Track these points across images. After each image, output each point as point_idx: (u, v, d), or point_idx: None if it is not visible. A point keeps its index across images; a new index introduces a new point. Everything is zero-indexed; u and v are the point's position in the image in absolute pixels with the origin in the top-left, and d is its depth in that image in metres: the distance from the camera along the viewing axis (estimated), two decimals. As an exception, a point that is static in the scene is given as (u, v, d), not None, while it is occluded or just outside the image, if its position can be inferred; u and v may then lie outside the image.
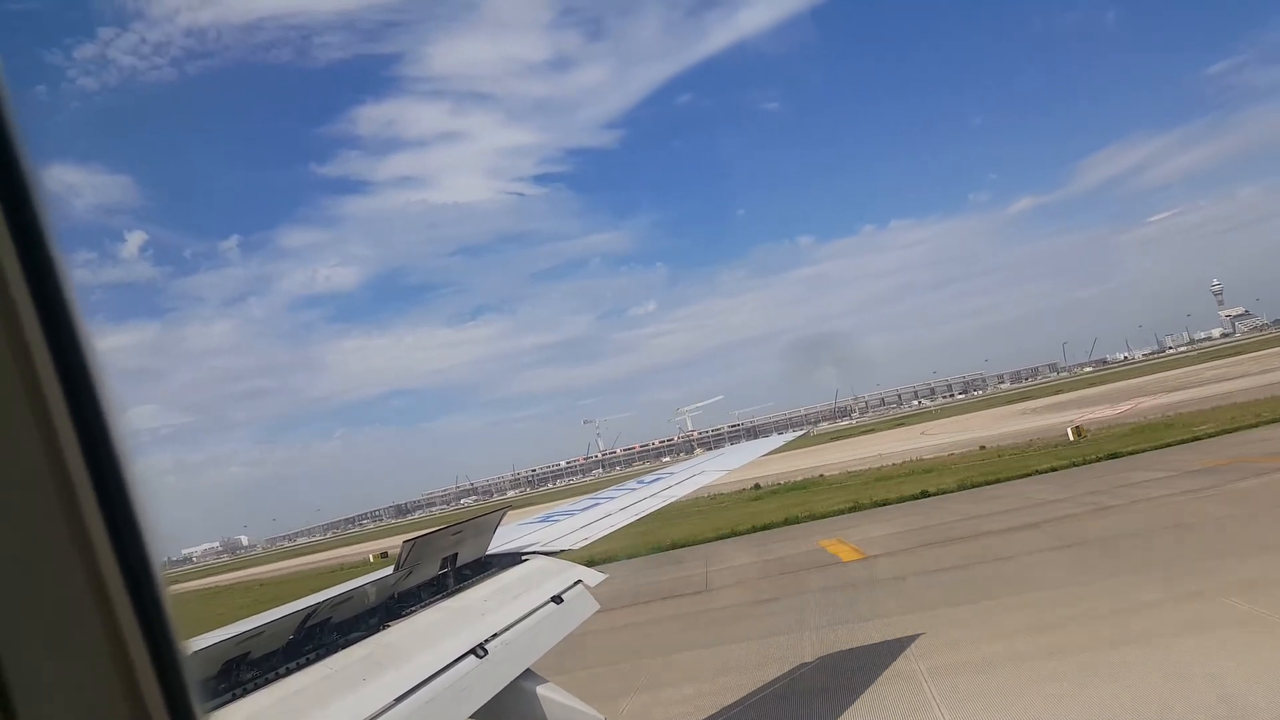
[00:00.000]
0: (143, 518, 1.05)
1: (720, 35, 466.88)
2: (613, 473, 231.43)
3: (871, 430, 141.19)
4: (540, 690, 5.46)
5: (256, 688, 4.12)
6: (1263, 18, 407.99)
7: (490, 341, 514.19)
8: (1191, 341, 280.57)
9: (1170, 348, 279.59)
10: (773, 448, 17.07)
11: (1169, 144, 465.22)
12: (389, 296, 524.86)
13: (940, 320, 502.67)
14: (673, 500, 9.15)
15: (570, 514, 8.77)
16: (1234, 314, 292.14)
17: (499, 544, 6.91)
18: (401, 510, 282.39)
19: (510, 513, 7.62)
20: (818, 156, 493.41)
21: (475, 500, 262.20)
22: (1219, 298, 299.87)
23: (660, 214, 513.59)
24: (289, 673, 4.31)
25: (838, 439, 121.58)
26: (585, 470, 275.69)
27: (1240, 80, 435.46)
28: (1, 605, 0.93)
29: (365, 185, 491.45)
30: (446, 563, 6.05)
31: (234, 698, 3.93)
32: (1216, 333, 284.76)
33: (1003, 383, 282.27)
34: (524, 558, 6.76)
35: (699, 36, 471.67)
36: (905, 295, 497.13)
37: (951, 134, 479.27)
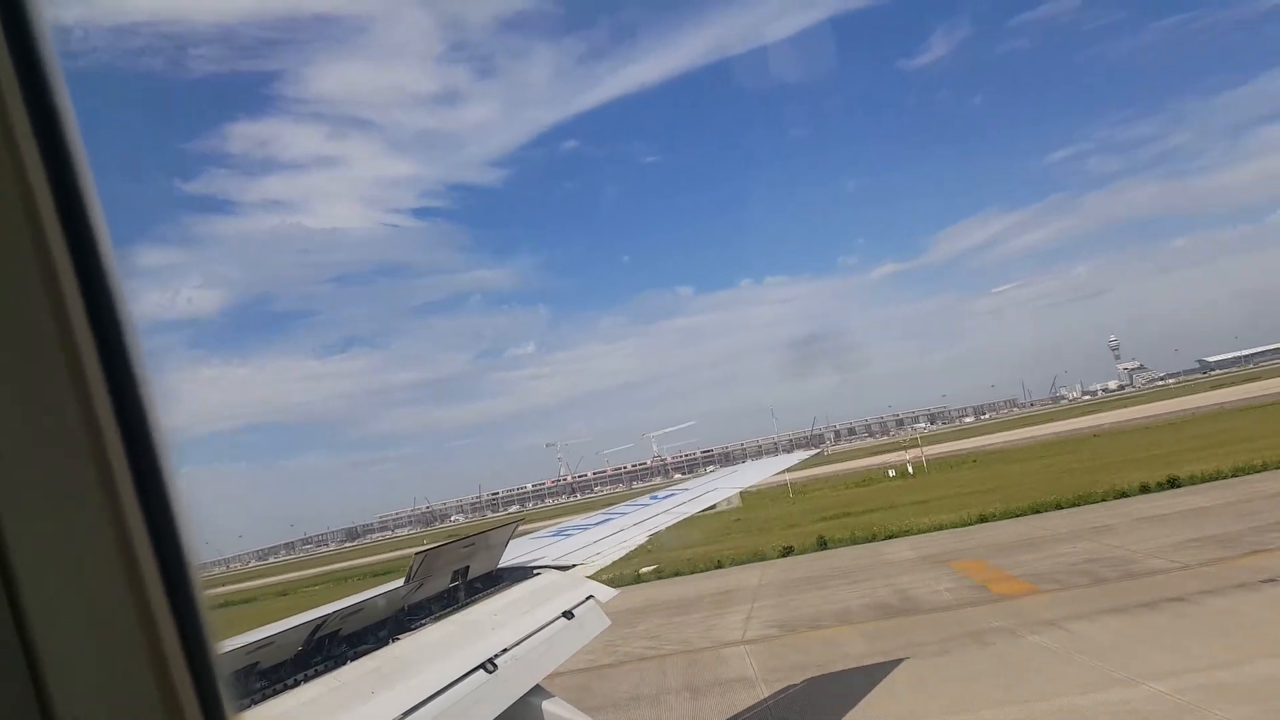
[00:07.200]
0: (181, 519, 1.07)
1: (609, 86, 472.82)
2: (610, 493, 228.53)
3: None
4: (547, 706, 5.39)
5: (265, 698, 4.11)
6: (1101, 114, 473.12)
7: (359, 375, 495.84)
8: (1084, 392, 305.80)
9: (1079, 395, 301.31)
10: (787, 465, 17.76)
11: (1016, 222, 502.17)
12: (253, 323, 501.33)
13: (813, 373, 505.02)
14: (685, 516, 8.99)
15: (583, 528, 8.66)
16: (1130, 367, 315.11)
17: (510, 558, 6.87)
18: (352, 534, 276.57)
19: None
20: (700, 210, 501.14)
21: (463, 520, 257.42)
22: (1116, 353, 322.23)
23: (544, 255, 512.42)
24: (297, 684, 4.31)
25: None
26: (571, 491, 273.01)
27: (1079, 168, 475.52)
28: (47, 601, 0.95)
29: (233, 205, 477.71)
30: (457, 576, 6.02)
31: (243, 708, 3.89)
32: (1113, 384, 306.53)
33: (966, 416, 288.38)
34: (535, 572, 6.71)
35: (588, 85, 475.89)
36: (777, 349, 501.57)
37: (827, 197, 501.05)
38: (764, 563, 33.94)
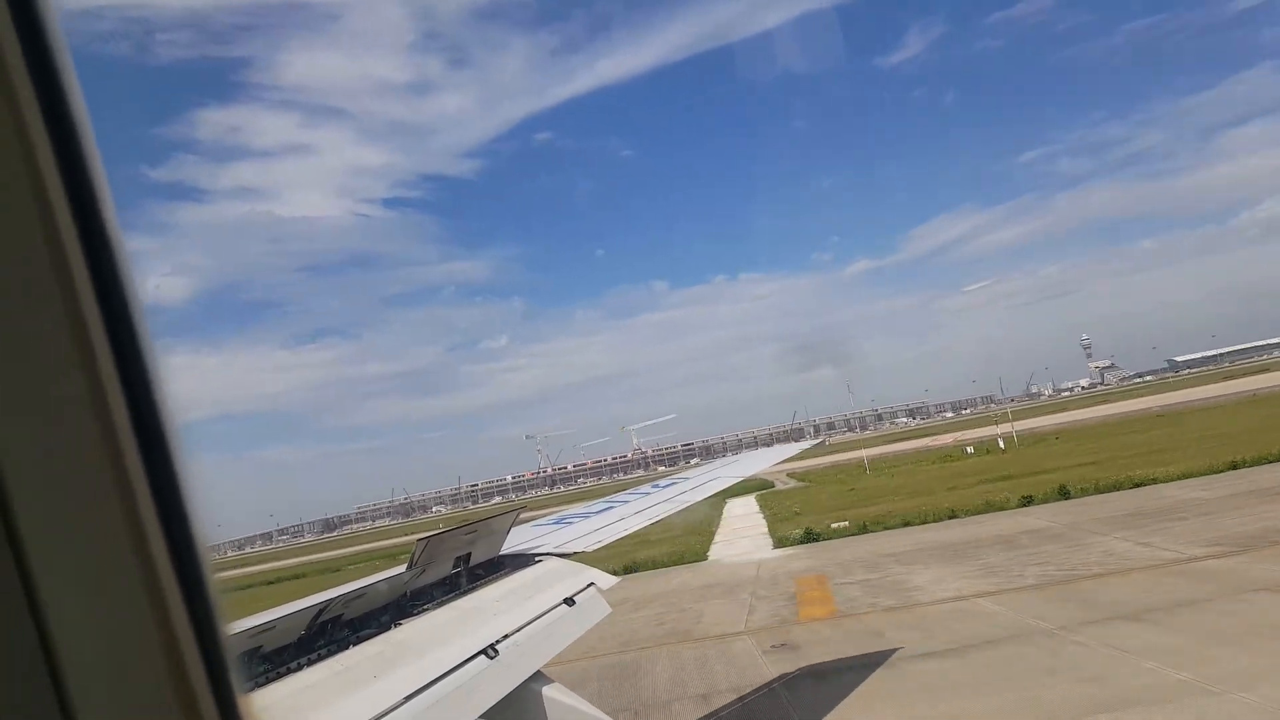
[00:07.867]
0: (191, 503, 1.08)
1: (583, 79, 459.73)
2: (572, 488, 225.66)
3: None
4: (548, 691, 5.40)
5: (268, 682, 4.17)
6: (1072, 115, 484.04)
7: (330, 366, 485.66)
8: (1057, 390, 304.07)
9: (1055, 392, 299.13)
10: (787, 455, 17.66)
11: (987, 220, 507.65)
12: (223, 312, 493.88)
13: (790, 369, 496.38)
14: (686, 505, 8.94)
15: (584, 516, 8.73)
16: (1102, 365, 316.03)
17: (512, 544, 6.88)
18: (330, 525, 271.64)
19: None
20: (674, 205, 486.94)
21: (444, 511, 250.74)
22: (1088, 351, 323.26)
23: (517, 248, 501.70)
24: (300, 668, 4.36)
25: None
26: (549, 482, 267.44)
27: (1051, 169, 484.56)
28: (61, 586, 0.97)
29: (202, 193, 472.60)
30: (460, 562, 6.07)
31: (245, 690, 2.80)
32: (1084, 382, 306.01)
33: (945, 411, 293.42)
34: (537, 559, 6.70)
35: (562, 78, 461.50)
36: (751, 345, 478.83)
37: (801, 195, 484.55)
38: (1013, 511, 32.75)
